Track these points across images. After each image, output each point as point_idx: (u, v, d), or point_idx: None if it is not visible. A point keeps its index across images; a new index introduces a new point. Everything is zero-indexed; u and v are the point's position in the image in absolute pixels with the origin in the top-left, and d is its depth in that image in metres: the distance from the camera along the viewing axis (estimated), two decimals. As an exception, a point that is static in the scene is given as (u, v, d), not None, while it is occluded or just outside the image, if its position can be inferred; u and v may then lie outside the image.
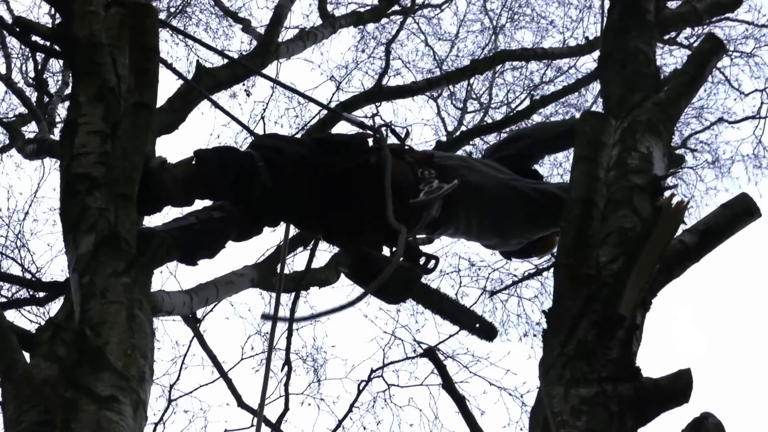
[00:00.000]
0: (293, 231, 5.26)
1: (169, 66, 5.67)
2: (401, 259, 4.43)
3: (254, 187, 4.58)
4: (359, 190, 4.72)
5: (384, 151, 4.71)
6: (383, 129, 4.99)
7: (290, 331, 11.08)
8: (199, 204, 4.74)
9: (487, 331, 4.87)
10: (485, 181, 4.99)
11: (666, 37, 11.50)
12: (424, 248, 4.88)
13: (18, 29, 5.42)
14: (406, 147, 5.09)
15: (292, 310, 9.97)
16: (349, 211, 4.76)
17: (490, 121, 15.18)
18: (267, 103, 14.24)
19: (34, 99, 12.73)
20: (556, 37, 15.86)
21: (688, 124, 14.08)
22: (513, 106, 15.38)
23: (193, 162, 4.58)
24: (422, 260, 4.79)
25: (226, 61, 10.47)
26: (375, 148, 4.86)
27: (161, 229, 4.48)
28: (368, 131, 4.97)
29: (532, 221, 5.11)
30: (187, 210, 4.80)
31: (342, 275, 4.98)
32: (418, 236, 4.84)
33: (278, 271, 5.21)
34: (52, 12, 11.51)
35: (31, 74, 13.21)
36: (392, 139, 5.08)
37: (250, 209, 4.73)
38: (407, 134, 5.15)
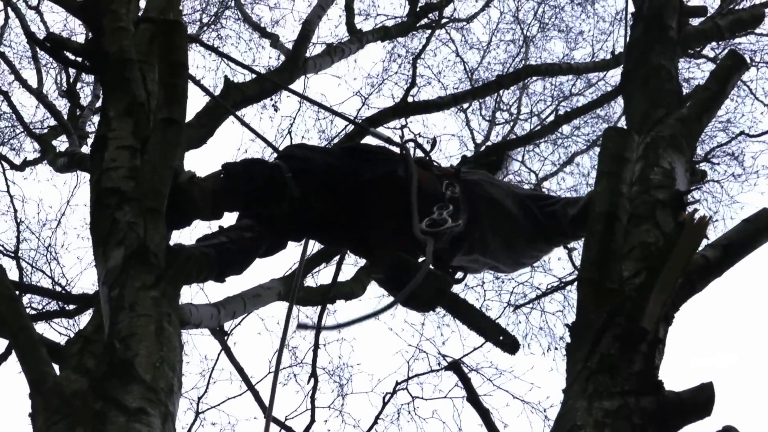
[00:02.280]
0: (316, 247, 5.30)
1: (197, 82, 5.72)
2: (432, 267, 4.47)
3: (282, 199, 4.61)
4: (387, 201, 4.74)
5: (410, 164, 4.74)
6: (410, 143, 5.02)
7: (317, 344, 11.10)
8: (228, 218, 4.77)
9: (510, 344, 4.89)
10: (505, 197, 5.03)
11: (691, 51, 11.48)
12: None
13: (49, 45, 5.46)
14: (433, 161, 5.11)
15: (319, 323, 9.98)
16: (376, 221, 4.79)
17: (518, 132, 15.19)
18: (294, 118, 14.32)
19: (65, 112, 12.80)
20: (586, 49, 15.85)
21: (714, 137, 14.03)
22: (542, 117, 15.38)
23: (222, 175, 4.61)
24: (450, 271, 4.83)
25: (254, 75, 10.52)
26: (402, 160, 4.89)
27: (193, 246, 4.51)
28: (395, 145, 5.00)
29: (531, 243, 5.17)
30: (215, 225, 4.84)
31: (373, 283, 5.01)
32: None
33: (293, 284, 5.23)
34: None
35: (64, 86, 13.28)
36: (419, 153, 5.11)
37: (276, 224, 4.76)
38: (434, 144, 5.18)
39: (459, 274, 4.87)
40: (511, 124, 15.59)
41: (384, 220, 4.78)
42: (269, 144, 5.32)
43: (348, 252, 5.23)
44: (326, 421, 12.61)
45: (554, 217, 5.06)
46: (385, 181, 4.79)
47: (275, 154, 5.09)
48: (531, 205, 5.09)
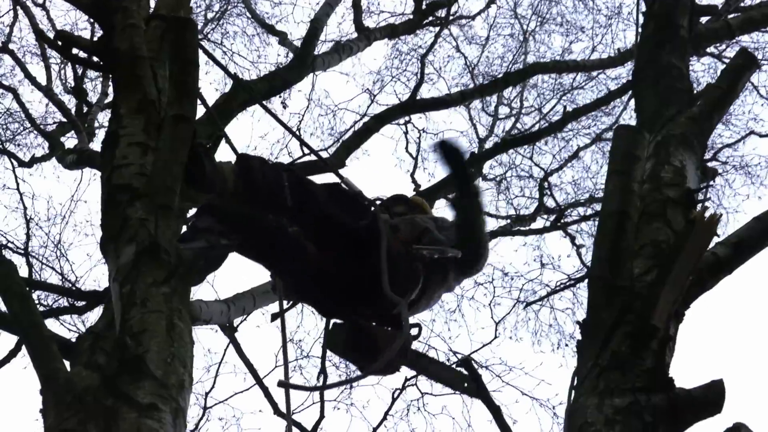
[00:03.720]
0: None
1: (223, 67, 5.71)
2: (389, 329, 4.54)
3: (275, 204, 4.55)
4: (354, 255, 4.68)
5: (380, 223, 4.65)
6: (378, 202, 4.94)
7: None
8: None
9: (475, 389, 4.88)
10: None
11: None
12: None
13: (60, 43, 5.45)
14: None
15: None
16: (341, 273, 4.71)
17: (521, 127, 15.17)
18: (303, 115, 14.32)
19: (73, 109, 12.81)
20: (585, 42, 15.81)
21: (720, 136, 13.99)
22: (544, 111, 15.35)
23: (237, 165, 4.54)
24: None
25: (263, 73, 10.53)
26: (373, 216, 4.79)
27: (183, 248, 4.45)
28: (366, 201, 4.88)
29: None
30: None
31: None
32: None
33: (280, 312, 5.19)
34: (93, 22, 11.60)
35: (72, 83, 13.28)
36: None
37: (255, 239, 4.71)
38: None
39: (415, 330, 4.84)
40: (514, 118, 15.57)
41: (350, 273, 4.71)
42: (298, 138, 5.19)
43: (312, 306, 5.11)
44: (336, 408, 12.58)
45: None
46: (355, 236, 4.72)
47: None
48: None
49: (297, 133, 5.14)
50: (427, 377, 5.02)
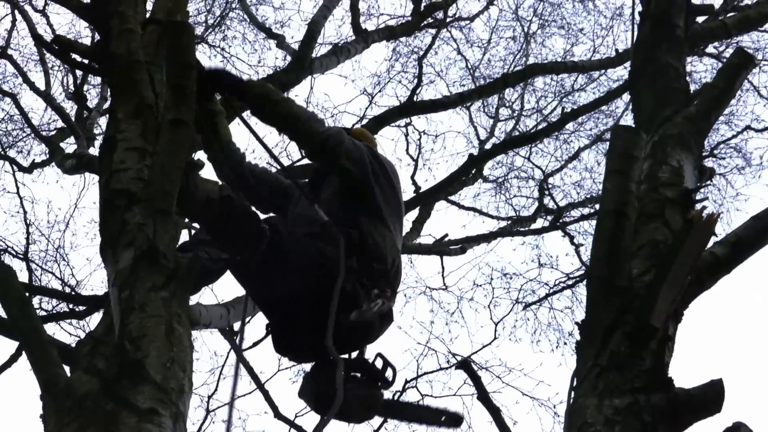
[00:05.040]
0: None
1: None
2: (361, 385, 4.52)
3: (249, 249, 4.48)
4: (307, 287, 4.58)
5: (340, 262, 4.48)
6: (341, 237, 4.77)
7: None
8: None
9: (452, 421, 4.86)
10: None
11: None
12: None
13: (57, 47, 5.45)
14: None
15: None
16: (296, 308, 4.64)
17: (522, 128, 15.18)
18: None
19: (73, 114, 12.81)
20: (586, 44, 15.83)
21: (717, 131, 13.99)
22: (545, 112, 15.37)
23: (220, 198, 4.43)
24: (381, 370, 4.73)
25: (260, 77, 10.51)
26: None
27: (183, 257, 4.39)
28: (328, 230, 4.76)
29: None
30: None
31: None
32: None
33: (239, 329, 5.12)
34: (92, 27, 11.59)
35: (71, 89, 13.29)
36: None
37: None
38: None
39: (389, 374, 4.77)
40: (515, 120, 15.59)
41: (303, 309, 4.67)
42: (270, 152, 5.11)
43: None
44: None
45: None
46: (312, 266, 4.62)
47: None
48: None
49: (272, 151, 5.01)
50: (402, 420, 4.99)
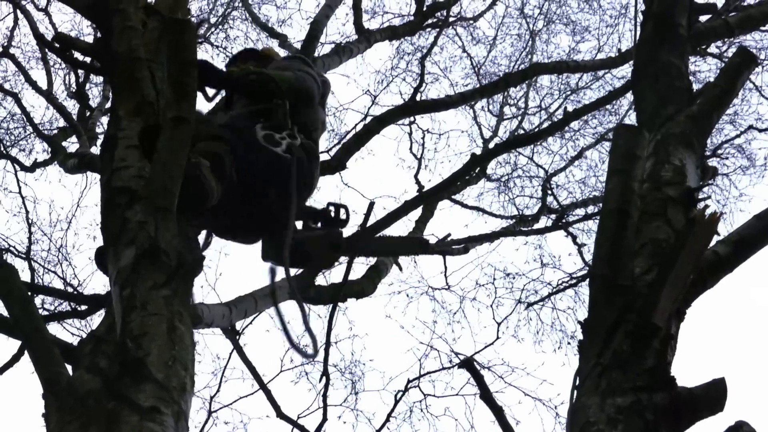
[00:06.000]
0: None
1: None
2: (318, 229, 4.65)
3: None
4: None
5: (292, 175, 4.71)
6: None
7: (328, 341, 11.08)
8: None
9: (423, 246, 4.91)
10: None
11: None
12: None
13: (58, 45, 5.45)
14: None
15: (330, 322, 9.95)
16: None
17: (526, 127, 15.18)
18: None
19: (75, 113, 12.80)
20: (591, 42, 15.82)
21: (721, 131, 13.98)
22: (550, 111, 15.37)
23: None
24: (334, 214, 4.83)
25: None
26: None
27: None
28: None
29: None
30: None
31: (383, 282, 5.00)
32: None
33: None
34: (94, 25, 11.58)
35: (73, 87, 13.28)
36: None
37: None
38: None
39: (342, 213, 4.85)
40: (519, 118, 15.59)
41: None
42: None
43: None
44: (340, 417, 12.60)
45: None
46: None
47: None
48: None
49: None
50: (381, 255, 5.00)
